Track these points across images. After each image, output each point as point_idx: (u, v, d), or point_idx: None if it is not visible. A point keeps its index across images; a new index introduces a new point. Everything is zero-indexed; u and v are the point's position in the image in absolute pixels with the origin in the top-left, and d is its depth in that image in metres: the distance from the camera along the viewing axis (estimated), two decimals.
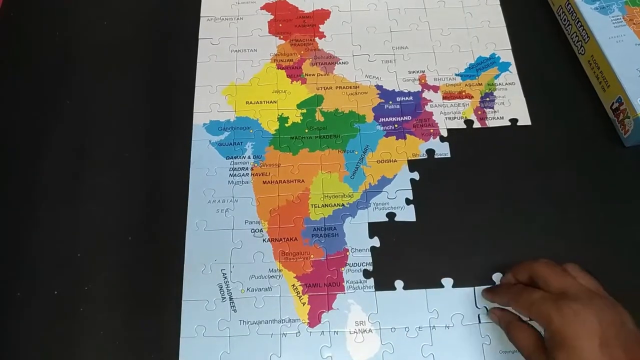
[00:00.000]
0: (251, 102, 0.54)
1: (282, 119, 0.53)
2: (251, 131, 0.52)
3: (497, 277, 0.46)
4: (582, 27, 0.53)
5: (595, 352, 0.34)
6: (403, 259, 0.47)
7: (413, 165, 0.51)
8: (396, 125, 0.53)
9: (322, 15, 0.59)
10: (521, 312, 0.40)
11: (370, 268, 0.46)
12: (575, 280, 0.39)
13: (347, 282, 0.46)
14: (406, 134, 0.52)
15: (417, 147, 0.51)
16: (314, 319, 0.45)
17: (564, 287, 0.38)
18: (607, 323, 0.35)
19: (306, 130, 0.52)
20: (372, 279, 0.46)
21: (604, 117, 0.52)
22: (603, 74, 0.51)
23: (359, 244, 0.47)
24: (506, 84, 0.55)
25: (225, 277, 0.46)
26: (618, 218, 0.48)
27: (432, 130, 0.52)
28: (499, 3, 0.59)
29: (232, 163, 0.51)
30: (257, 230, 0.48)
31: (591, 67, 0.53)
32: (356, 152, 0.51)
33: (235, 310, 0.45)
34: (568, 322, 0.35)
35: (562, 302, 0.37)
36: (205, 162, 0.51)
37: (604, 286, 0.39)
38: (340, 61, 0.56)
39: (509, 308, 0.42)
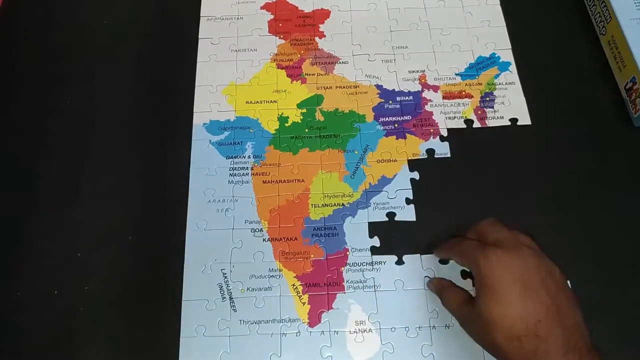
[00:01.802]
0: (251, 102, 0.54)
1: (282, 119, 0.53)
2: (251, 131, 0.52)
3: None
4: (605, 7, 0.54)
5: (516, 294, 0.36)
6: (403, 258, 0.47)
7: (413, 165, 0.51)
8: (396, 125, 0.53)
9: (322, 14, 0.59)
10: (457, 262, 0.43)
11: (370, 267, 0.46)
12: (511, 234, 0.40)
13: (347, 281, 0.46)
14: (406, 134, 0.52)
15: (417, 147, 0.51)
16: (314, 319, 0.45)
17: (498, 238, 0.40)
18: (531, 269, 0.37)
19: (306, 130, 0.52)
20: (372, 279, 0.46)
21: (612, 112, 0.53)
22: (621, 54, 0.52)
23: (359, 244, 0.47)
24: (506, 83, 0.55)
25: (225, 277, 0.46)
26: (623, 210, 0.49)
27: (432, 130, 0.52)
28: (499, 3, 0.59)
29: (232, 163, 0.51)
30: (257, 230, 0.48)
31: (610, 47, 0.54)
32: (356, 152, 0.51)
33: (235, 310, 0.45)
34: (492, 266, 0.37)
35: (489, 249, 0.38)
36: (205, 162, 0.51)
37: (543, 249, 0.41)
38: (340, 61, 0.56)
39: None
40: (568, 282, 0.44)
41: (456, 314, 0.41)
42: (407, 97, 0.54)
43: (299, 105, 0.54)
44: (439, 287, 0.44)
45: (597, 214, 0.48)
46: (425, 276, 0.46)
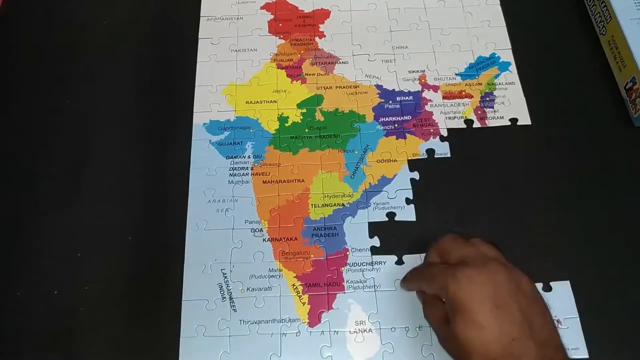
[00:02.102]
0: (251, 102, 0.54)
1: (282, 119, 0.53)
2: (251, 131, 0.52)
3: None
4: (605, 7, 0.54)
5: (488, 313, 0.35)
6: (403, 258, 0.47)
7: (413, 164, 0.51)
8: (396, 125, 0.53)
9: (322, 14, 0.59)
10: (427, 290, 0.41)
11: (370, 267, 0.46)
12: (475, 249, 0.39)
13: (347, 281, 0.46)
14: (406, 134, 0.52)
15: (417, 147, 0.51)
16: (314, 319, 0.45)
17: (462, 255, 0.38)
18: (501, 285, 0.36)
19: (306, 130, 0.52)
20: (372, 279, 0.46)
21: (612, 111, 0.53)
22: (621, 54, 0.53)
23: (359, 244, 0.47)
24: (506, 83, 0.55)
25: (225, 277, 0.46)
26: (623, 209, 0.49)
27: (432, 130, 0.52)
28: (499, 3, 0.59)
29: (232, 163, 0.51)
30: (257, 230, 0.48)
31: (610, 47, 0.54)
32: (356, 152, 0.51)
33: (235, 310, 0.45)
34: (461, 287, 0.36)
35: (456, 270, 0.37)
36: (205, 162, 0.51)
37: (506, 256, 0.39)
38: (340, 61, 0.56)
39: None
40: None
41: (435, 331, 0.40)
42: (407, 97, 0.54)
43: (299, 105, 0.54)
44: (422, 300, 0.42)
45: (597, 214, 0.48)
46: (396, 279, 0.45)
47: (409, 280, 0.44)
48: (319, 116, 0.53)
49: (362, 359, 0.43)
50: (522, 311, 0.35)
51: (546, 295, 0.45)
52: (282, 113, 0.53)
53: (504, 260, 0.39)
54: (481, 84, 0.55)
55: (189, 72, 0.55)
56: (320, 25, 0.58)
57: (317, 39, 0.57)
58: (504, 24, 0.58)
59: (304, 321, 0.45)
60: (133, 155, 0.52)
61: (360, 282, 0.46)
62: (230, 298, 0.45)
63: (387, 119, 0.53)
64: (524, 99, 0.54)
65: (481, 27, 0.58)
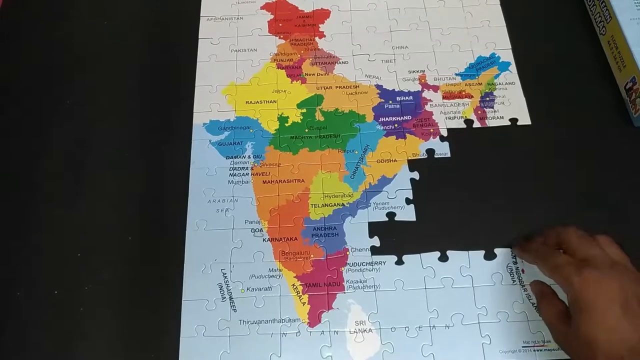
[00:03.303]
0: (251, 102, 0.54)
1: (282, 119, 0.53)
2: (251, 131, 0.52)
3: (496, 277, 0.46)
4: (605, 7, 0.54)
5: (617, 316, 0.35)
6: (403, 258, 0.47)
7: (413, 165, 0.51)
8: (396, 125, 0.53)
9: (322, 14, 0.59)
10: (544, 273, 0.41)
11: (370, 267, 0.46)
12: (602, 250, 0.39)
13: (347, 281, 0.46)
14: (406, 134, 0.52)
15: (417, 147, 0.51)
16: (314, 319, 0.45)
17: (589, 255, 0.39)
18: (629, 291, 0.36)
19: (306, 130, 0.52)
20: (372, 279, 0.46)
21: (612, 111, 0.53)
22: (621, 54, 0.53)
23: (359, 244, 0.47)
24: (506, 83, 0.55)
25: (225, 277, 0.46)
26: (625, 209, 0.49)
27: (432, 130, 0.52)
28: (499, 3, 0.59)
29: (232, 163, 0.51)
30: (257, 230, 0.48)
31: (610, 47, 0.54)
32: (356, 152, 0.51)
33: (235, 310, 0.45)
34: (588, 287, 0.36)
35: (584, 268, 0.37)
36: (205, 162, 0.51)
37: (633, 262, 0.40)
38: (340, 61, 0.56)
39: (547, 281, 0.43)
40: None
41: (551, 327, 0.40)
42: (407, 97, 0.54)
43: (299, 105, 0.54)
44: (538, 294, 0.43)
45: (597, 214, 0.48)
46: (533, 281, 0.44)
47: (526, 253, 0.44)
48: (319, 116, 0.53)
49: (362, 359, 0.43)
50: None
51: None
52: (282, 113, 0.53)
53: (629, 264, 0.39)
54: (481, 84, 0.55)
55: (189, 72, 0.55)
56: (320, 25, 0.58)
57: (317, 39, 0.57)
58: (504, 24, 0.58)
59: (304, 321, 0.45)
60: (133, 155, 0.51)
61: (360, 282, 0.46)
62: (230, 298, 0.45)
63: (387, 119, 0.53)
64: (524, 99, 0.54)
65: (481, 27, 0.58)
